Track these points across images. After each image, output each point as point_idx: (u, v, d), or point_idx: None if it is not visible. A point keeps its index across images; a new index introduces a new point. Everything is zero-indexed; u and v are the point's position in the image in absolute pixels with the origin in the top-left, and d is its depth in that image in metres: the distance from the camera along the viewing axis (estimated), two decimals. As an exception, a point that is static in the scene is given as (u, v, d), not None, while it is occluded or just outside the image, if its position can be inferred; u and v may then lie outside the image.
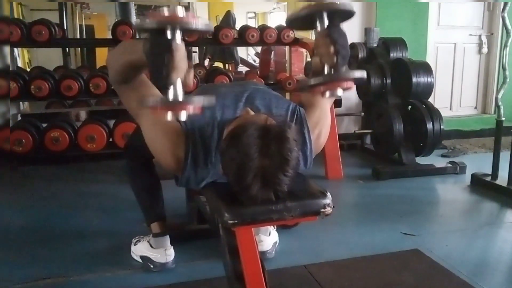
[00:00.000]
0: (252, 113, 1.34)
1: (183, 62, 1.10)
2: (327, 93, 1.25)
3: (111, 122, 3.39)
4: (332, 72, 1.24)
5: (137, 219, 2.17)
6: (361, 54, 3.77)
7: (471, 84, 4.65)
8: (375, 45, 3.79)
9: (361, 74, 1.27)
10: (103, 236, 2.24)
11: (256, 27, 3.83)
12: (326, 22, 1.23)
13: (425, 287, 1.80)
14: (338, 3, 1.22)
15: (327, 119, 1.54)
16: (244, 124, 1.22)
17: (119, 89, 1.40)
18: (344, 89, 1.25)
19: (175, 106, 1.10)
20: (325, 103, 1.56)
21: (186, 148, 1.36)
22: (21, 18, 4.77)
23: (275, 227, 2.12)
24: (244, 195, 1.22)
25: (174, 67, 1.08)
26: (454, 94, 4.62)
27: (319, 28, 1.24)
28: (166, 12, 1.05)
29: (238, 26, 4.38)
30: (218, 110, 1.43)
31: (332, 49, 1.21)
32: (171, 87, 1.10)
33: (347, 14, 1.23)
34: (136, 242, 2.00)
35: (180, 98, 1.10)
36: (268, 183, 1.19)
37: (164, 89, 1.11)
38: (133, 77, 1.37)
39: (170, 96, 1.10)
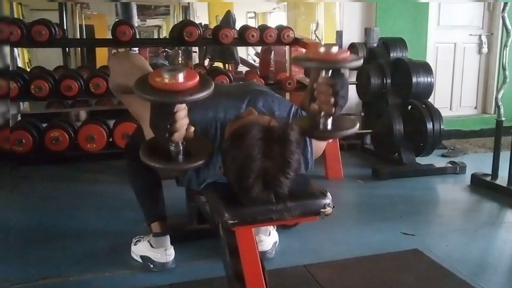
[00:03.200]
0: (255, 113, 1.33)
1: (184, 123, 1.17)
2: None
3: (111, 122, 3.39)
4: (325, 126, 1.30)
5: (137, 219, 2.17)
6: (361, 54, 3.77)
7: (471, 84, 4.65)
8: (375, 45, 3.79)
9: (352, 130, 1.36)
10: (103, 236, 2.24)
11: (256, 27, 3.83)
12: (330, 72, 1.26)
13: (425, 287, 1.81)
14: (347, 60, 1.24)
15: None
16: (247, 125, 1.21)
17: (120, 97, 1.41)
18: None
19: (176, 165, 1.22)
20: None
21: None
22: (21, 18, 4.77)
23: (275, 227, 2.12)
24: (245, 196, 1.22)
25: (176, 130, 1.15)
26: (454, 94, 4.61)
27: (323, 74, 1.26)
28: (166, 78, 1.08)
29: (238, 26, 4.38)
30: (221, 111, 1.43)
31: (332, 100, 1.24)
32: (172, 145, 1.19)
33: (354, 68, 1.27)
34: (136, 242, 2.00)
35: (180, 155, 1.20)
36: (269, 184, 1.19)
37: (166, 144, 1.19)
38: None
39: (172, 153, 1.19)
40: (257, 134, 1.18)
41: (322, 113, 1.29)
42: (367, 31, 3.81)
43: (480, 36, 4.55)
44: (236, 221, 1.26)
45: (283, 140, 1.19)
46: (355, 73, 3.89)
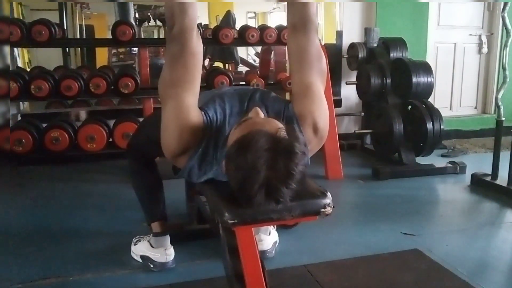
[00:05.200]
0: (261, 114, 1.31)
1: None
2: None
3: (111, 122, 3.39)
4: None
5: (137, 219, 2.17)
6: (361, 54, 3.77)
7: (471, 84, 4.65)
8: (375, 45, 3.79)
9: None
10: (103, 236, 2.24)
11: (256, 27, 3.83)
12: None
13: (425, 287, 1.81)
14: None
15: (318, 104, 1.45)
16: (254, 133, 1.19)
17: (180, 41, 1.36)
18: None
19: None
20: (313, 83, 1.46)
21: (201, 139, 1.36)
22: (21, 18, 4.77)
23: (275, 227, 2.12)
24: (246, 203, 1.22)
25: None
26: (454, 94, 4.61)
27: None
28: None
29: (238, 26, 4.38)
30: (228, 108, 1.43)
31: None
32: None
33: None
34: (136, 241, 2.00)
35: None
36: (270, 194, 1.19)
37: None
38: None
39: None
40: (264, 145, 1.15)
41: None
42: (367, 31, 3.81)
43: (480, 36, 4.55)
44: (236, 221, 1.26)
45: (289, 152, 1.17)
46: (355, 73, 3.89)
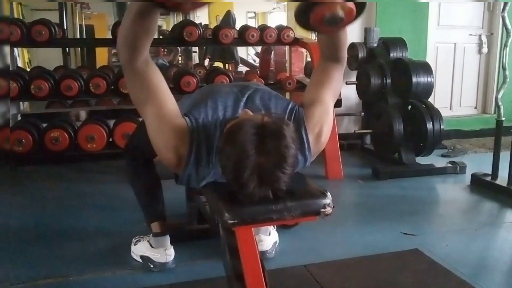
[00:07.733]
0: (250, 113, 1.34)
1: None
2: (327, 15, 1.18)
3: (111, 122, 3.39)
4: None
5: (137, 219, 2.17)
6: (361, 54, 3.77)
7: (471, 84, 4.65)
8: (375, 45, 3.79)
9: None
10: (103, 236, 2.24)
11: (256, 27, 3.83)
12: None
13: (425, 287, 1.81)
14: None
15: (328, 117, 1.51)
16: (240, 122, 1.22)
17: (130, 71, 1.32)
18: (345, 11, 1.18)
19: None
20: (327, 99, 1.53)
21: (190, 145, 1.36)
22: (21, 18, 4.77)
23: (275, 227, 2.12)
24: (242, 193, 1.22)
25: None
26: (454, 94, 4.61)
27: None
28: None
29: (238, 26, 4.38)
30: (221, 110, 1.43)
31: None
32: None
33: None
34: (136, 242, 2.00)
35: None
36: (265, 180, 1.19)
37: None
38: (145, 35, 1.27)
39: None
40: (249, 129, 1.18)
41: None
42: (367, 31, 3.81)
43: (480, 36, 4.54)
44: (236, 221, 1.26)
45: (277, 134, 1.18)
46: (355, 73, 3.89)
